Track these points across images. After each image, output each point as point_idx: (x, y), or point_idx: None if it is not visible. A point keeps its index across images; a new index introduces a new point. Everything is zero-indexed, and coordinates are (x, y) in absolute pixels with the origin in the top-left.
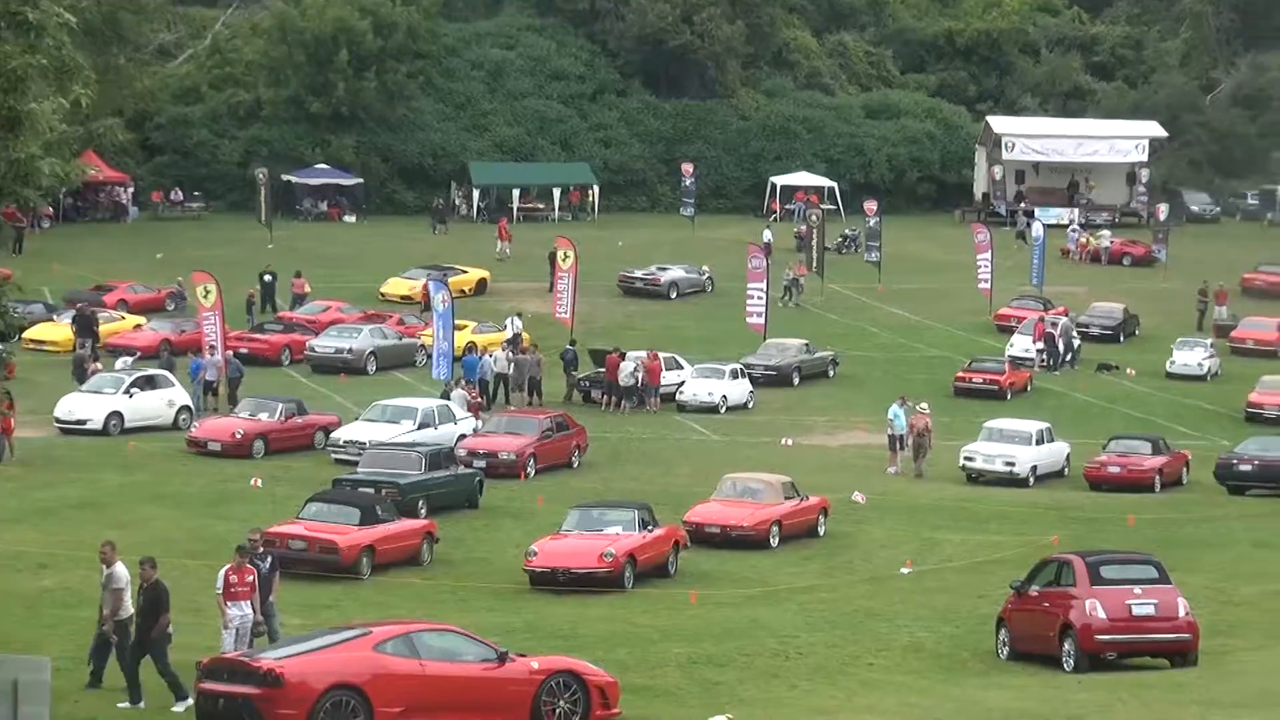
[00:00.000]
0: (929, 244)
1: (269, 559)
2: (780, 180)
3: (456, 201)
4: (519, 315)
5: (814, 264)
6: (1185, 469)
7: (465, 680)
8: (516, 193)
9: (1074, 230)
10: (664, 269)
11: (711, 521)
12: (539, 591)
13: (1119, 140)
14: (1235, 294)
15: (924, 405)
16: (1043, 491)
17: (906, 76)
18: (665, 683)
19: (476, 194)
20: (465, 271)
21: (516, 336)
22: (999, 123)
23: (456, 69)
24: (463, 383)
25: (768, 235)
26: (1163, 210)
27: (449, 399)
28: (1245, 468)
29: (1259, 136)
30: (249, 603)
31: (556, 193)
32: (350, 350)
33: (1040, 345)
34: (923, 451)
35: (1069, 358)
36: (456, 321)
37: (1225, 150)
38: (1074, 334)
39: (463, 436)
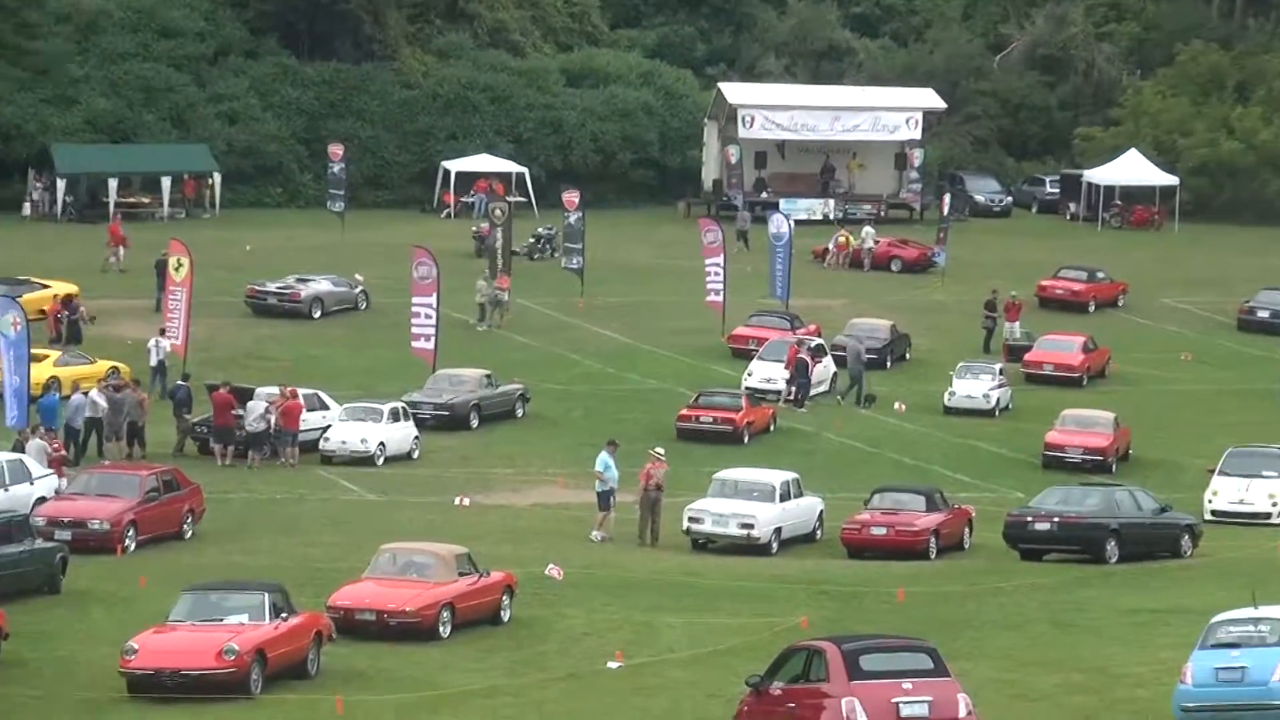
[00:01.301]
0: (645, 246)
1: None
2: (455, 165)
3: (35, 195)
4: (162, 334)
5: (499, 271)
6: (968, 529)
7: None
8: (114, 183)
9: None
10: (305, 280)
11: (365, 606)
12: (140, 700)
13: (885, 113)
14: (1031, 306)
15: (659, 450)
16: (789, 560)
17: (617, 32)
18: None
19: (61, 185)
20: (46, 285)
21: (114, 370)
22: (734, 91)
23: (33, 22)
24: (41, 430)
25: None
26: (945, 202)
27: (23, 451)
28: (1042, 526)
29: (1059, 108)
30: None
31: (166, 183)
32: None
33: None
34: (655, 512)
35: (852, 391)
36: (34, 351)
37: (1018, 125)
38: (864, 358)
39: (41, 500)
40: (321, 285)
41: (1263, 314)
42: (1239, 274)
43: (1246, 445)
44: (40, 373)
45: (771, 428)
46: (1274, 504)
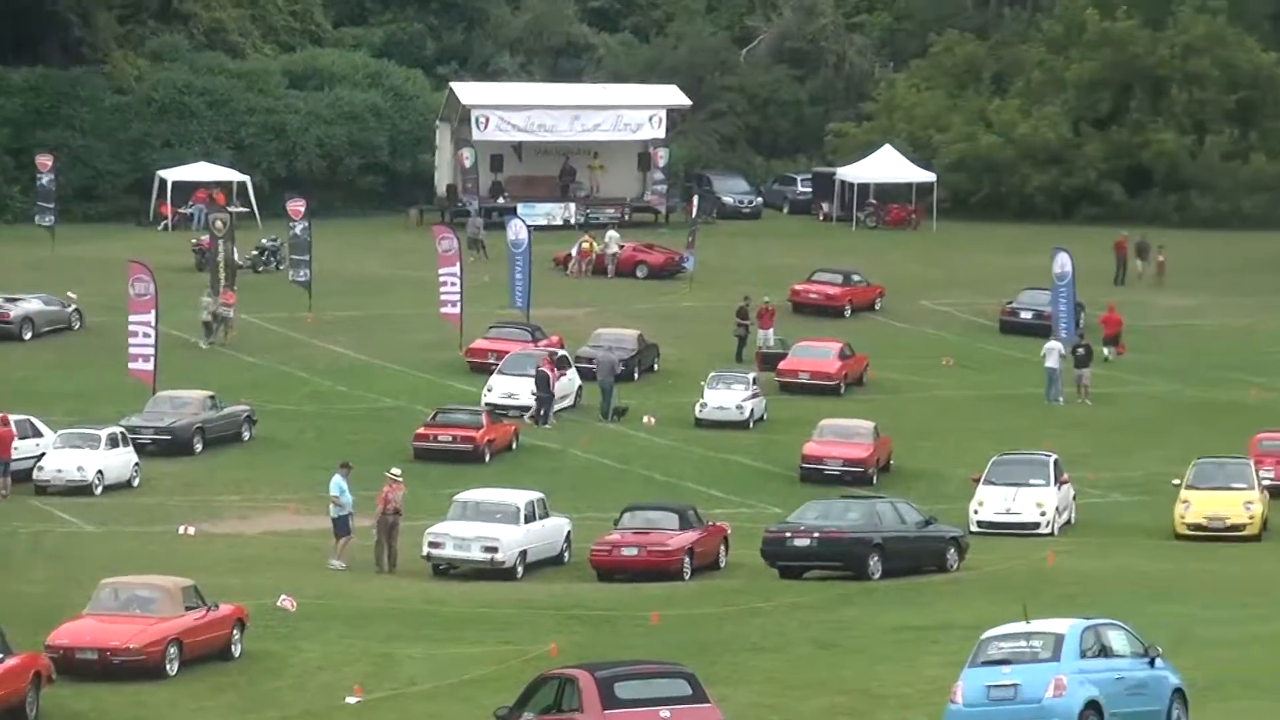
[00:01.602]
0: (376, 256)
1: None
2: (172, 175)
3: None
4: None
5: (222, 286)
6: (724, 547)
7: None
8: None
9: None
10: (14, 300)
11: (86, 644)
12: None
13: (627, 111)
14: (784, 312)
15: (396, 471)
16: (536, 584)
17: (342, 31)
18: None
19: None
20: None
21: None
22: (467, 91)
23: None
24: None
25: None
26: (694, 204)
27: None
28: (801, 542)
29: (809, 103)
30: None
31: None
32: None
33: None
34: (392, 537)
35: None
36: None
37: (766, 121)
38: (617, 369)
39: None
40: (32, 305)
41: (1025, 315)
42: (1000, 274)
43: (1012, 452)
44: None
45: (514, 445)
46: (1042, 513)
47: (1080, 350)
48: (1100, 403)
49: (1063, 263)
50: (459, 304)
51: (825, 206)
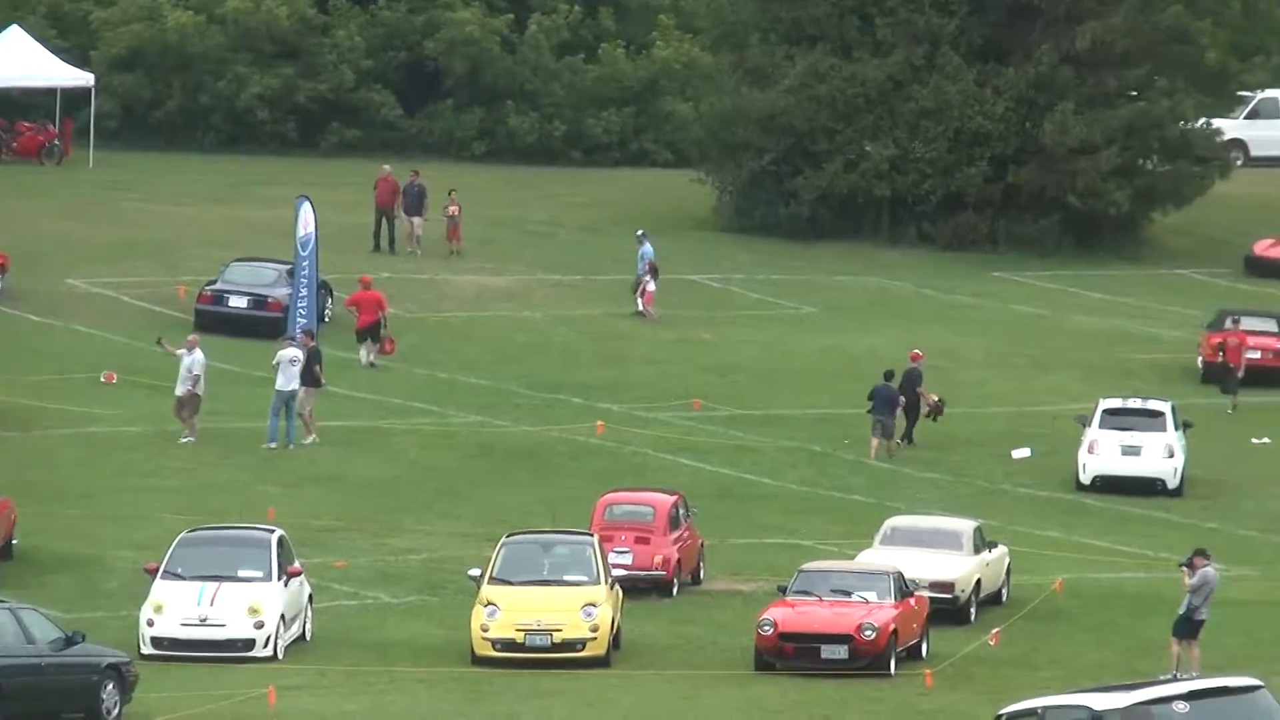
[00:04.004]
0: None
1: None
2: None
3: None
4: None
5: None
6: None
7: None
8: None
9: None
10: None
11: None
12: None
13: None
14: None
15: None
16: None
17: None
18: None
19: None
20: None
21: None
22: None
23: None
24: None
25: None
26: None
27: None
28: None
29: None
30: None
31: None
32: None
33: None
34: None
35: None
36: None
37: None
38: None
39: None
40: None
41: (235, 302)
42: (193, 235)
43: (203, 528)
44: None
45: None
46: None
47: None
48: (343, 446)
49: (306, 218)
50: None
51: None
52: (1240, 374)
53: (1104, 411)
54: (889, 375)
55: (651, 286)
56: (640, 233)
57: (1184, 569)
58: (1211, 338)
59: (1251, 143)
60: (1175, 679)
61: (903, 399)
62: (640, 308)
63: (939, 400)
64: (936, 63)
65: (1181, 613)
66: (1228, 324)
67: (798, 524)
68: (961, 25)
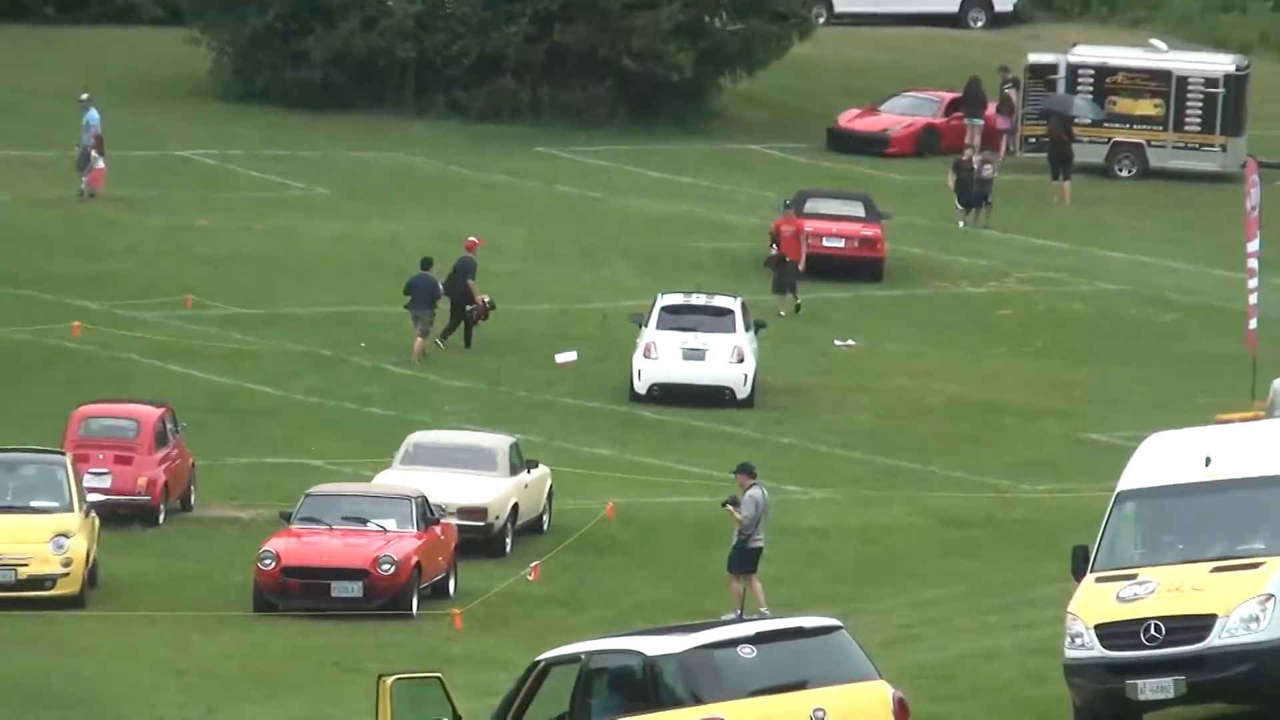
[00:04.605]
0: None
1: None
2: None
3: None
4: None
5: None
6: None
7: None
8: None
9: None
10: None
11: None
12: None
13: None
14: None
15: None
16: None
17: None
18: None
19: None
20: None
21: None
22: None
23: None
24: None
25: None
26: None
27: None
28: None
29: None
30: None
31: None
32: None
33: None
34: None
35: None
36: None
37: None
38: None
39: None
40: None
41: None
42: None
43: None
44: None
45: None
46: None
47: None
48: None
49: None
50: None
51: None
52: (801, 267)
53: (663, 309)
54: (428, 263)
55: (100, 164)
56: (84, 97)
57: (729, 508)
58: (780, 224)
59: None
60: (740, 619)
61: (446, 295)
62: (83, 187)
63: (488, 300)
64: None
65: (735, 544)
66: (783, 208)
67: (305, 440)
68: None
